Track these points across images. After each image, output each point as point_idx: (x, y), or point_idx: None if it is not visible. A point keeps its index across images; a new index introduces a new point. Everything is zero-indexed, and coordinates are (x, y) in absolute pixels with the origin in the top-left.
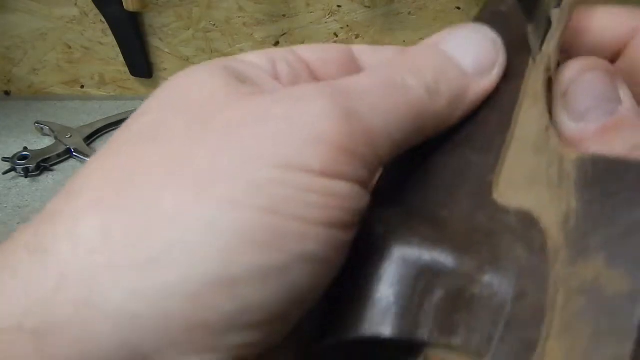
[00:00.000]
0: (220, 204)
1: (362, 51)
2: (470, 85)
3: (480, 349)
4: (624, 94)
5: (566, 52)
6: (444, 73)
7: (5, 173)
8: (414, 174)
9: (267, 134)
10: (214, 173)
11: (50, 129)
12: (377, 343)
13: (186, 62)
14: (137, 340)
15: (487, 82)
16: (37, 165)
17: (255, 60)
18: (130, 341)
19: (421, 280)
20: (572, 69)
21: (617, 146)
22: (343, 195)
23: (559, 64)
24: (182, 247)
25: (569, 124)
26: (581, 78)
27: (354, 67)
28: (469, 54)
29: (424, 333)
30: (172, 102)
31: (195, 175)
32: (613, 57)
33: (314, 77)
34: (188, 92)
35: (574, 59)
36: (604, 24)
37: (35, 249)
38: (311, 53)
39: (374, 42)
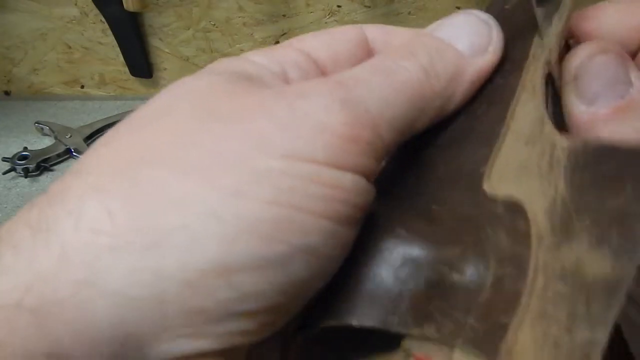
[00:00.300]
0: (224, 193)
1: (375, 36)
2: (467, 65)
3: (452, 336)
4: (635, 76)
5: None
6: (439, 54)
7: (5, 173)
8: (410, 167)
9: (271, 124)
10: (220, 161)
11: (50, 129)
12: (357, 335)
13: (186, 62)
14: (134, 323)
15: (484, 60)
16: (37, 165)
17: (263, 62)
18: (126, 323)
19: (403, 270)
20: (583, 53)
21: (627, 129)
22: (348, 188)
23: (568, 49)
24: (183, 233)
25: (580, 108)
26: (592, 61)
27: (366, 57)
28: (462, 35)
29: (397, 322)
30: (180, 92)
31: (201, 162)
32: (632, 54)
33: (324, 74)
34: (196, 85)
35: (584, 43)
36: (617, 19)
37: (38, 227)
38: (321, 51)
39: None
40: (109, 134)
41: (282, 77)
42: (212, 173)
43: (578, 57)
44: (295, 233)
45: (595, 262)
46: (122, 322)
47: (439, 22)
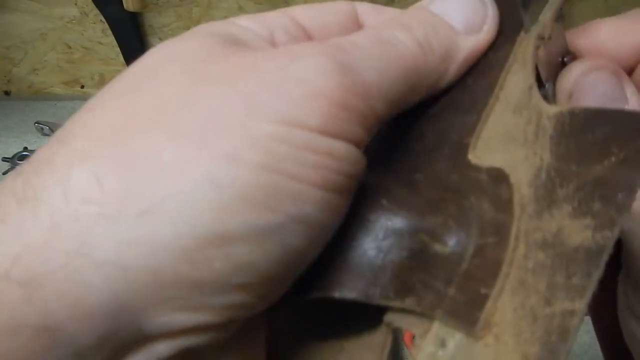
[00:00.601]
0: (220, 158)
1: (366, 12)
2: (462, 42)
3: (431, 308)
4: (631, 92)
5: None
6: (434, 29)
7: (5, 173)
8: (398, 138)
9: (264, 87)
10: (213, 125)
11: (50, 129)
12: (342, 308)
13: None
14: (127, 294)
15: (478, 39)
16: None
17: (249, 25)
18: (120, 295)
19: (386, 241)
20: (577, 70)
21: None
22: (340, 157)
23: (563, 66)
24: (178, 200)
25: None
26: (586, 78)
27: (355, 30)
28: (457, 12)
29: (379, 294)
30: (166, 54)
31: (193, 126)
32: (628, 71)
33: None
34: (183, 46)
35: (578, 60)
36: (612, 36)
37: (24, 197)
38: (310, 19)
39: None
40: (92, 100)
41: (269, 40)
42: (205, 137)
43: (573, 74)
44: (290, 201)
45: (577, 231)
46: (116, 293)
47: None
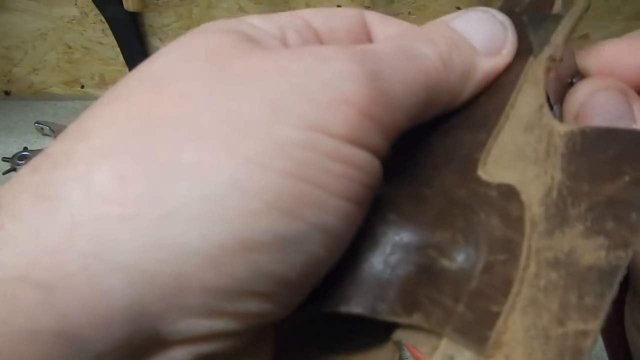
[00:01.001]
0: (245, 162)
1: (374, 21)
2: (480, 63)
3: (440, 325)
4: (639, 111)
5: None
6: (457, 46)
7: (5, 173)
8: (407, 152)
9: (291, 89)
10: (237, 127)
11: (50, 129)
12: (349, 322)
13: None
14: (148, 300)
15: (496, 61)
16: None
17: (260, 23)
18: (141, 300)
19: (394, 256)
20: (585, 90)
21: None
22: (362, 167)
23: (570, 86)
24: (203, 204)
25: None
26: (593, 99)
27: (364, 37)
28: (479, 33)
29: (386, 309)
30: (185, 51)
31: (217, 127)
32: (637, 90)
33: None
34: (203, 42)
35: (585, 79)
36: (621, 56)
37: (42, 194)
38: (320, 22)
39: None
40: (109, 94)
41: (282, 40)
42: (230, 140)
43: (580, 93)
44: (313, 210)
45: (589, 251)
46: (137, 298)
47: (456, 14)
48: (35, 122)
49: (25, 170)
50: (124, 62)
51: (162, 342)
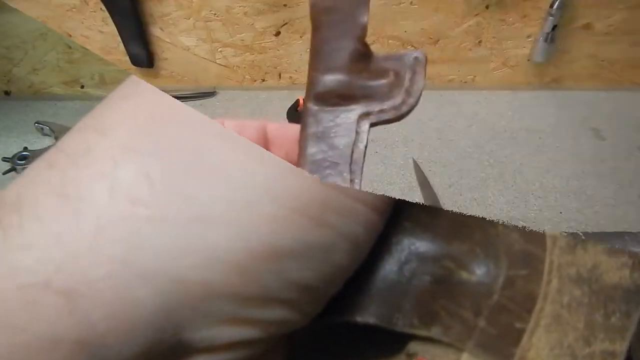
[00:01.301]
0: (274, 167)
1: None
2: None
3: (461, 339)
4: None
5: None
6: None
7: (5, 173)
8: None
9: None
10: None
11: (50, 129)
12: (359, 332)
13: (187, 52)
14: (174, 307)
15: None
16: None
17: None
18: (166, 307)
19: (409, 265)
20: None
21: None
22: None
23: None
24: (232, 208)
25: None
26: None
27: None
28: None
29: (402, 320)
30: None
31: None
32: None
33: None
34: None
35: None
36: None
37: (64, 193)
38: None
39: (375, 32)
40: (125, 87)
41: None
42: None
43: None
44: (340, 217)
45: (613, 269)
46: (162, 306)
47: None
48: (35, 122)
49: (39, 166)
50: (124, 51)
51: (184, 350)
